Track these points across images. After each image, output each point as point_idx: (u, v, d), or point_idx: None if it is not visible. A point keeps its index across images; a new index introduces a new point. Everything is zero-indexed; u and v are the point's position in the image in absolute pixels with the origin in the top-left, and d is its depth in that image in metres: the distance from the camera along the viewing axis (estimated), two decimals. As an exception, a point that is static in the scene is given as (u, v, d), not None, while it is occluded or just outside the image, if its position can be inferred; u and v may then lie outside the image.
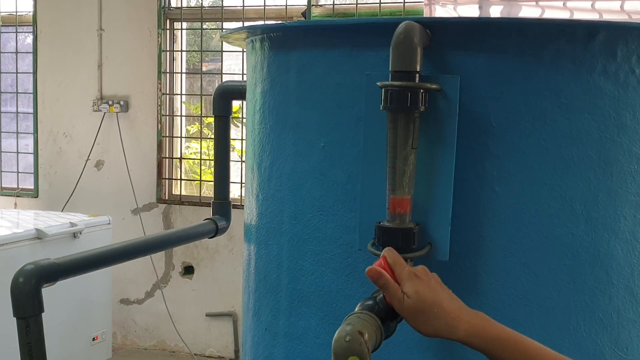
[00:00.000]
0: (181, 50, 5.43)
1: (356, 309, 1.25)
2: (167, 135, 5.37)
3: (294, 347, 1.62)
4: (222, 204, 2.39)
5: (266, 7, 5.01)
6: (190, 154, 5.64)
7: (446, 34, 1.41)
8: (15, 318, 1.77)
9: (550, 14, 4.30)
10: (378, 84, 1.37)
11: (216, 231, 2.32)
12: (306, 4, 4.91)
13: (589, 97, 1.41)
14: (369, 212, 1.45)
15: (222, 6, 5.21)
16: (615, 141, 1.43)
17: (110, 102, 5.34)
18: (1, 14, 5.79)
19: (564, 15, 4.27)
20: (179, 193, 5.43)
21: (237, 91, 2.23)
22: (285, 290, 1.63)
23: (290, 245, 1.62)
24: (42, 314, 1.79)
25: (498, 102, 1.41)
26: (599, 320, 1.46)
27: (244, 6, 5.07)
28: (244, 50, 1.91)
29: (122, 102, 5.34)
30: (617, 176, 1.44)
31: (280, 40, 1.64)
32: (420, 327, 1.23)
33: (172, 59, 5.37)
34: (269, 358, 1.69)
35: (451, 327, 1.22)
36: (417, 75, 1.35)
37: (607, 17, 4.22)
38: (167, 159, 5.39)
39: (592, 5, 4.24)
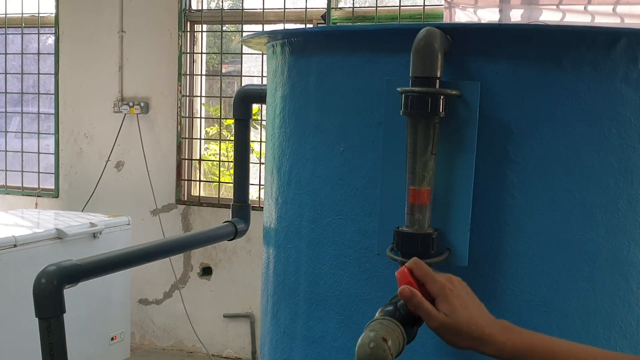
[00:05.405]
0: (201, 53, 5.45)
1: (377, 315, 1.25)
2: (187, 136, 5.39)
3: (312, 350, 1.62)
4: (241, 207, 2.40)
5: (286, 10, 5.02)
6: (209, 155, 5.66)
7: (467, 40, 1.41)
8: (36, 318, 1.79)
9: (571, 18, 4.27)
10: (398, 89, 1.37)
11: (235, 234, 2.33)
12: (326, 7, 4.92)
13: (609, 103, 1.41)
14: (388, 217, 1.45)
15: (242, 9, 5.23)
16: (635, 148, 1.42)
17: (130, 104, 5.37)
18: (24, 15, 5.85)
19: (584, 19, 4.25)
20: (197, 194, 5.46)
21: (257, 95, 2.25)
22: (304, 294, 1.64)
23: (308, 249, 1.63)
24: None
25: (518, 108, 1.41)
26: (618, 328, 1.45)
27: (263, 9, 5.09)
28: (264, 53, 1.92)
29: (142, 104, 5.37)
30: (638, 183, 1.43)
31: (301, 45, 1.65)
32: (454, 342, 1.22)
33: (192, 61, 5.39)
34: (287, 361, 1.70)
35: (484, 343, 1.20)
36: (438, 81, 1.35)
37: (628, 21, 4.18)
38: (186, 161, 5.41)
39: (613, 9, 4.21)
